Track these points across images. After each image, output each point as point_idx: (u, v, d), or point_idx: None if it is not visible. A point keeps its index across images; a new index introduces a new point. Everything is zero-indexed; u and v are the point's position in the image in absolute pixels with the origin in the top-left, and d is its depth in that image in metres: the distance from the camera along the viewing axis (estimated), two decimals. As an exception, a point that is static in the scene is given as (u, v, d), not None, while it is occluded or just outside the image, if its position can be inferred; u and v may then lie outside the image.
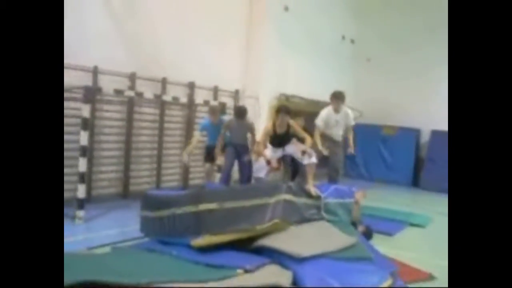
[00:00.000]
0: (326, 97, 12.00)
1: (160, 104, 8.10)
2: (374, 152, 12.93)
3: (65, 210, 4.50)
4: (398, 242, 6.14)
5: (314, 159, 5.82)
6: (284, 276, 3.71)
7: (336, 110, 6.98)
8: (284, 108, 5.95)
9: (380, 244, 5.56)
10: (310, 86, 11.53)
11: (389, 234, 6.45)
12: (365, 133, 13.03)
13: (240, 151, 6.83)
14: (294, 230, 4.91)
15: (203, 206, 4.57)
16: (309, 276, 3.87)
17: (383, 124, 12.88)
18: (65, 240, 4.17)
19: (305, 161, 5.84)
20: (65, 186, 5.60)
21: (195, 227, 4.51)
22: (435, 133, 12.10)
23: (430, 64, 12.36)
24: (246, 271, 3.86)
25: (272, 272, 3.83)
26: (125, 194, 7.65)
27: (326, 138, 6.98)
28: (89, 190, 7.01)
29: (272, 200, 4.99)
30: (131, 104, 7.59)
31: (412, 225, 7.20)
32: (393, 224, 7.04)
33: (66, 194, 5.60)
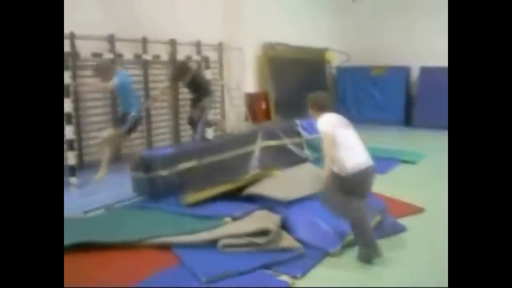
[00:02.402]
0: (311, 42, 11.98)
1: (142, 64, 7.99)
2: (365, 93, 12.85)
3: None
4: (389, 180, 6.20)
5: None
6: (272, 221, 3.78)
7: None
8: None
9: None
10: (295, 32, 11.32)
11: (380, 172, 6.52)
12: (354, 75, 12.95)
13: None
14: (280, 175, 4.96)
15: (183, 165, 4.62)
16: (297, 219, 3.96)
17: (372, 65, 12.74)
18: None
19: None
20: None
21: (180, 186, 4.57)
22: (424, 70, 12.00)
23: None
24: (234, 219, 3.94)
25: (260, 218, 3.90)
26: (117, 158, 7.67)
27: None
28: (80, 157, 7.04)
29: (252, 148, 5.03)
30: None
31: (404, 162, 7.27)
32: (384, 162, 7.10)
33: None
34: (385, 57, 12.61)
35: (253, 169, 4.88)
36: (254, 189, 4.54)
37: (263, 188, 4.53)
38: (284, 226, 3.89)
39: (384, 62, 12.57)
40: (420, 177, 6.54)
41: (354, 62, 12.89)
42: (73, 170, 6.07)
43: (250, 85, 10.37)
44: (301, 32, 11.64)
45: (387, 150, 7.99)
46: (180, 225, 3.97)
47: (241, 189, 4.67)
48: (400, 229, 4.16)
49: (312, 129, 6.14)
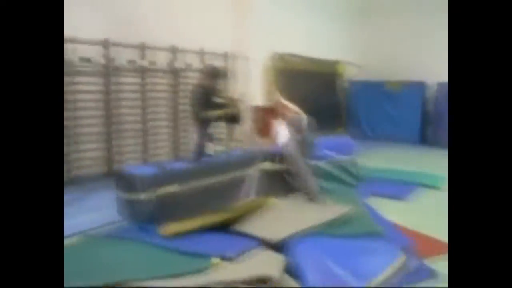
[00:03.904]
0: (323, 54, 11.35)
1: (140, 72, 7.37)
2: (378, 109, 12.17)
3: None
4: (409, 207, 5.51)
5: None
6: (273, 264, 3.06)
7: None
8: None
9: (389, 211, 4.93)
10: (305, 44, 10.72)
11: (398, 198, 5.82)
12: (367, 89, 12.32)
13: None
14: (277, 206, 4.24)
15: (163, 190, 3.94)
16: (305, 261, 3.23)
17: (386, 79, 12.07)
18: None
19: None
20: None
21: (160, 213, 3.89)
22: (442, 86, 11.29)
23: (433, 12, 11.50)
24: (225, 259, 3.20)
25: (259, 260, 3.18)
26: (109, 173, 7.02)
27: None
28: (69, 171, 6.41)
29: (247, 172, 4.32)
30: (106, 74, 6.86)
31: (425, 186, 6.54)
32: (402, 186, 6.39)
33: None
34: (401, 71, 11.98)
35: (246, 197, 4.19)
36: (241, 226, 3.83)
37: (252, 223, 3.81)
38: (289, 270, 3.17)
39: (399, 77, 11.92)
40: (445, 205, 5.79)
41: (367, 75, 12.25)
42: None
43: (257, 98, 9.71)
44: (312, 43, 11.04)
45: (405, 173, 7.27)
46: (161, 263, 3.27)
47: (232, 220, 3.98)
48: (429, 274, 3.42)
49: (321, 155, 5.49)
